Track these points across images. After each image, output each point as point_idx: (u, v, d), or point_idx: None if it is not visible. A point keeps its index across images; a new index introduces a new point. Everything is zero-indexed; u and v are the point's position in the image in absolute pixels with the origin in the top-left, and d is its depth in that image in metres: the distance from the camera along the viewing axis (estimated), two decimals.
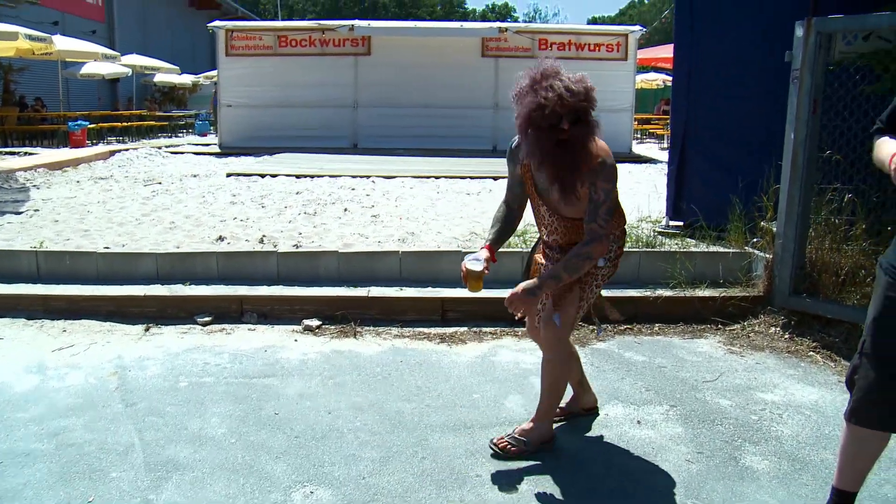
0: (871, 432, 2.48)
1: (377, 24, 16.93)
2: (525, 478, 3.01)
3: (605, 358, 4.28)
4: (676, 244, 5.93)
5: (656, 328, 4.82)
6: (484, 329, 4.75)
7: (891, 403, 2.39)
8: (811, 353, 4.46)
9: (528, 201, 3.13)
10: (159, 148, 16.03)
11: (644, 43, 22.56)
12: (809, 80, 4.56)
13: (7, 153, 14.18)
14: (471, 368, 4.15)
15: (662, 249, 5.55)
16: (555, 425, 3.42)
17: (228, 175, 11.04)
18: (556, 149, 2.68)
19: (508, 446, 3.15)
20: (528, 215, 3.23)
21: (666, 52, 18.00)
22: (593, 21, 65.00)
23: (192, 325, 4.77)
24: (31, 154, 13.95)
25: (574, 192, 2.81)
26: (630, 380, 4.03)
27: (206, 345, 4.45)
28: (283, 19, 39.41)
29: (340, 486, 2.93)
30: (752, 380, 4.05)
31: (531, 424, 3.20)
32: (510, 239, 5.88)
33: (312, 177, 10.70)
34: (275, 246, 5.92)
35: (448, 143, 15.15)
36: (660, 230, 6.54)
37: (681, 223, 6.55)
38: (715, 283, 5.17)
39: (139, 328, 4.71)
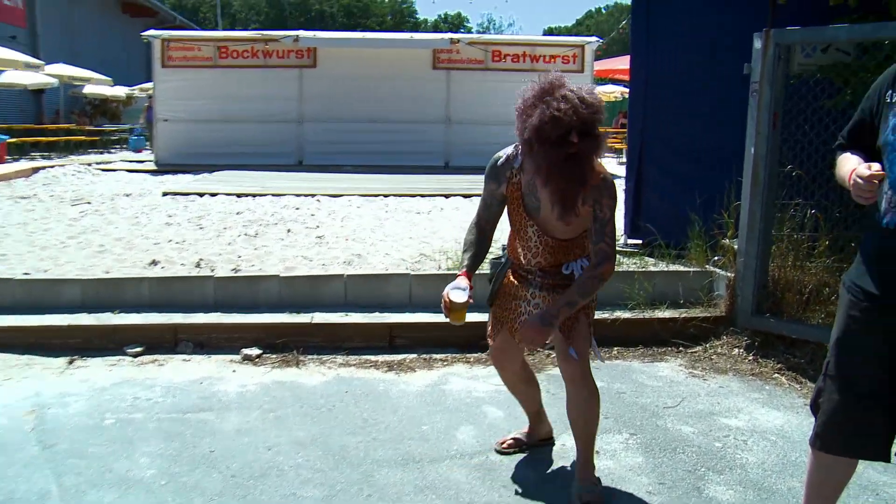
0: (837, 458, 2.49)
1: (323, 34, 16.93)
2: None
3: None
4: (635, 263, 5.97)
5: (615, 352, 4.82)
6: (434, 356, 4.71)
7: (856, 427, 2.40)
8: (776, 374, 4.51)
9: (512, 222, 3.07)
10: (89, 165, 15.71)
11: (601, 54, 22.91)
12: (769, 93, 4.65)
13: None
14: (420, 398, 4.10)
15: (620, 269, 5.58)
16: (510, 458, 3.39)
17: (164, 194, 10.85)
18: (565, 163, 2.67)
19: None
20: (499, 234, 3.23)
21: (624, 63, 18.31)
22: (549, 32, 65.97)
23: (121, 357, 4.63)
24: None
25: (575, 209, 2.80)
26: None
27: (136, 378, 4.32)
28: (223, 29, 39.16)
29: None
30: (715, 405, 4.07)
31: (586, 475, 3.04)
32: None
33: (254, 196, 10.58)
34: (212, 270, 5.80)
35: (398, 160, 15.15)
36: (617, 249, 6.58)
37: (639, 241, 6.61)
38: (675, 303, 5.21)
39: (62, 361, 4.55)
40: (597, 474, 3.10)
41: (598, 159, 2.80)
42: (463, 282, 2.92)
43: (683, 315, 5.00)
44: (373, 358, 4.67)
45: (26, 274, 5.57)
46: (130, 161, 17.44)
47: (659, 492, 3.16)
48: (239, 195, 10.63)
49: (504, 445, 3.48)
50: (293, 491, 3.11)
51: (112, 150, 22.51)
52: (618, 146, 20.93)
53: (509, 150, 3.00)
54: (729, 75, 5.22)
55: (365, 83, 15.77)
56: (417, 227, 8.05)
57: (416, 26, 63.04)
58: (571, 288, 2.89)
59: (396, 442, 3.57)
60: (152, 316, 4.97)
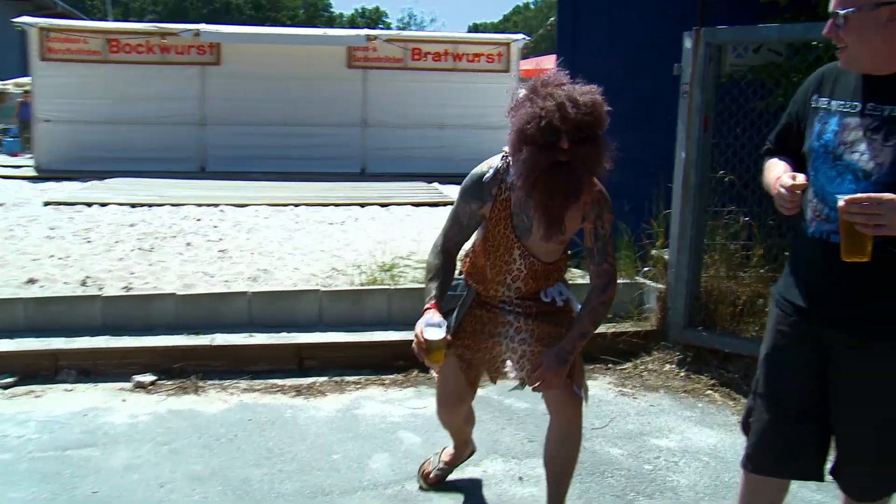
0: (769, 480, 2.57)
1: (227, 29, 16.67)
2: None
3: (483, 405, 4.28)
4: None
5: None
6: (346, 378, 4.69)
7: (788, 446, 2.47)
8: (709, 391, 4.64)
9: (491, 245, 2.85)
10: None
11: (529, 52, 23.25)
12: (700, 95, 4.79)
13: None
14: (331, 424, 4.07)
15: None
16: (433, 493, 3.40)
17: (46, 204, 10.50)
18: (552, 171, 2.51)
19: None
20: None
21: (552, 62, 18.61)
22: (474, 28, 66.64)
23: None
24: None
25: (561, 226, 2.66)
26: (511, 430, 4.05)
27: (6, 413, 4.16)
28: (115, 19, 38.24)
29: None
30: (645, 424, 4.16)
31: None
32: (376, 275, 5.90)
33: (150, 206, 10.33)
34: (100, 289, 5.64)
35: (310, 166, 14.99)
36: None
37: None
38: None
39: None
40: (520, 501, 3.12)
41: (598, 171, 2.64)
42: (435, 316, 2.68)
43: (612, 330, 5.10)
44: (280, 382, 4.62)
45: None
46: (5, 166, 16.80)
47: None
48: (133, 205, 10.37)
49: (430, 480, 3.43)
50: None
51: None
52: None
53: (496, 161, 2.78)
54: (659, 76, 5.36)
55: (274, 83, 15.59)
56: (330, 240, 8.00)
57: (331, 21, 62.82)
58: (582, 317, 2.79)
59: (304, 473, 3.53)
60: (29, 341, 4.80)
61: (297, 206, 10.58)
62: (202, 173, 15.14)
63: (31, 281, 5.87)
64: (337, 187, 12.90)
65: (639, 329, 5.13)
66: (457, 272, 2.99)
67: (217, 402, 4.34)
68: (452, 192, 12.45)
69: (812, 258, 2.34)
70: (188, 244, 7.55)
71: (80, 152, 15.19)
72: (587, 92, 2.51)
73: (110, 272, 6.21)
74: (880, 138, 2.18)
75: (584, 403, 2.88)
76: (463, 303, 2.96)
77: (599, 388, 4.65)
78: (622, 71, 6.29)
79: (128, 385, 4.52)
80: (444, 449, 3.48)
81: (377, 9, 72.42)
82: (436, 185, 13.53)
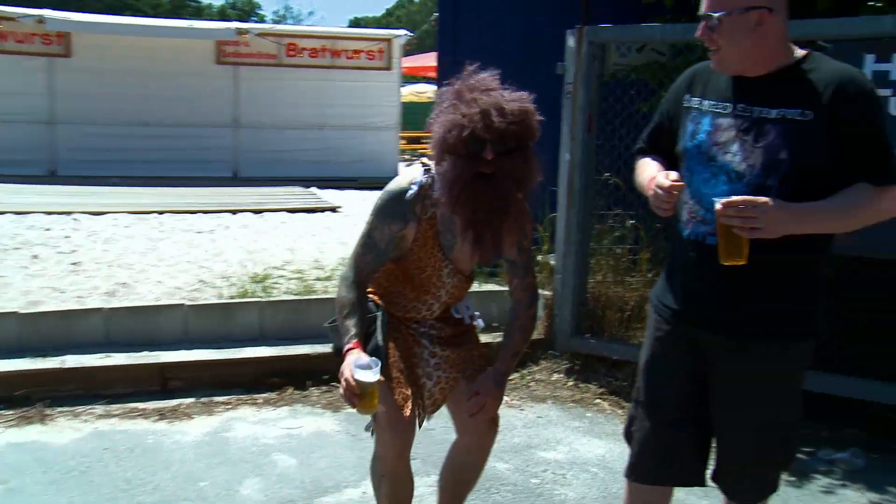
0: (653, 488, 2.68)
1: (78, 17, 16.06)
2: None
3: (362, 423, 4.29)
4: None
5: None
6: (215, 399, 4.62)
7: (669, 454, 2.59)
8: (597, 400, 4.78)
9: (415, 268, 2.72)
10: None
11: (413, 49, 23.38)
12: (584, 95, 4.95)
13: None
14: (198, 450, 4.01)
15: None
16: None
17: None
18: (475, 184, 2.41)
19: None
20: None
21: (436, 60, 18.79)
22: (355, 23, 66.48)
23: None
24: None
25: (487, 244, 2.56)
26: None
27: None
28: None
29: None
30: (533, 437, 4.25)
31: None
32: (247, 287, 5.84)
33: None
34: None
35: (177, 170, 14.64)
36: None
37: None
38: (489, 326, 5.39)
39: None
40: None
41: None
42: (363, 357, 2.50)
43: (498, 339, 5.18)
44: (141, 406, 4.52)
45: None
46: None
47: None
48: None
49: None
50: None
51: None
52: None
53: (418, 175, 2.63)
54: (544, 75, 5.50)
55: (135, 79, 15.13)
56: (198, 250, 7.85)
57: (199, 12, 61.55)
58: (512, 335, 2.79)
59: None
60: None
61: (161, 213, 10.33)
62: (52, 178, 14.55)
63: None
64: (206, 193, 12.65)
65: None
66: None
67: (67, 431, 4.20)
68: (332, 197, 12.45)
69: (688, 261, 2.46)
70: (35, 257, 7.26)
71: None
72: (516, 99, 2.43)
73: None
74: (751, 139, 2.31)
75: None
76: (381, 326, 2.75)
77: None
78: (505, 70, 6.40)
79: None
80: None
81: (250, 0, 71.41)
82: (314, 189, 13.46)
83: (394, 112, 16.41)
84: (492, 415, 2.74)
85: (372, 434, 2.77)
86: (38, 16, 14.70)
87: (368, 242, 2.66)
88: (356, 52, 16.07)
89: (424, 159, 2.65)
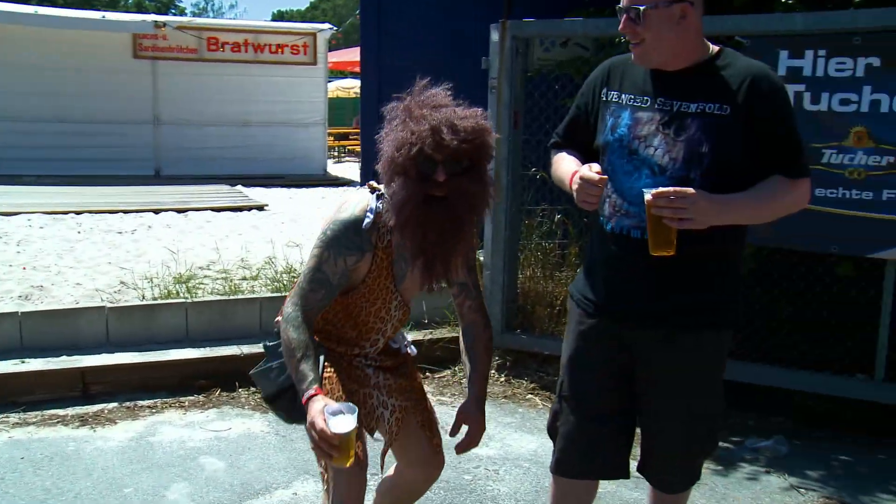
0: (577, 482, 2.74)
1: None
2: None
3: (293, 425, 4.30)
4: None
5: None
6: (140, 403, 4.58)
7: (594, 447, 2.65)
8: (529, 395, 4.85)
9: (364, 301, 2.55)
10: None
11: (338, 43, 23.31)
12: (508, 90, 5.00)
13: None
14: (122, 455, 3.96)
15: None
16: None
17: None
18: (426, 207, 2.29)
19: None
20: None
21: None
22: (279, 16, 65.88)
23: None
24: None
25: (438, 271, 2.46)
26: None
27: None
28: None
29: None
30: (463, 433, 4.28)
31: None
32: (171, 288, 5.78)
33: None
34: None
35: (95, 168, 14.36)
36: None
37: None
38: (419, 324, 5.44)
39: None
40: None
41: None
42: (331, 403, 2.24)
43: (429, 337, 5.24)
44: (60, 412, 4.44)
45: None
46: None
47: None
48: None
49: None
50: None
51: None
52: (358, 149, 21.38)
53: (370, 201, 2.47)
54: (470, 70, 5.55)
55: (48, 73, 14.77)
56: (119, 251, 7.74)
57: (114, 3, 60.28)
58: (479, 357, 2.68)
59: None
60: None
61: (79, 213, 10.14)
62: None
63: None
64: (127, 192, 12.46)
65: (456, 335, 5.26)
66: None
67: None
68: (259, 195, 12.36)
69: (611, 254, 2.51)
70: None
71: None
72: (469, 116, 2.31)
73: None
74: (672, 133, 2.38)
75: None
76: (323, 360, 2.55)
77: None
78: (430, 65, 6.42)
79: None
80: None
81: None
82: (240, 187, 13.34)
83: (320, 108, 16.35)
84: (477, 444, 2.67)
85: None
86: None
87: (318, 277, 2.42)
88: (280, 46, 15.96)
89: (373, 183, 2.49)
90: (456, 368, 5.13)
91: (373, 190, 2.49)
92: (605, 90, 2.56)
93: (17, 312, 5.03)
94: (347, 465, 2.25)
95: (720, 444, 4.04)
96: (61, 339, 4.98)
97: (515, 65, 5.00)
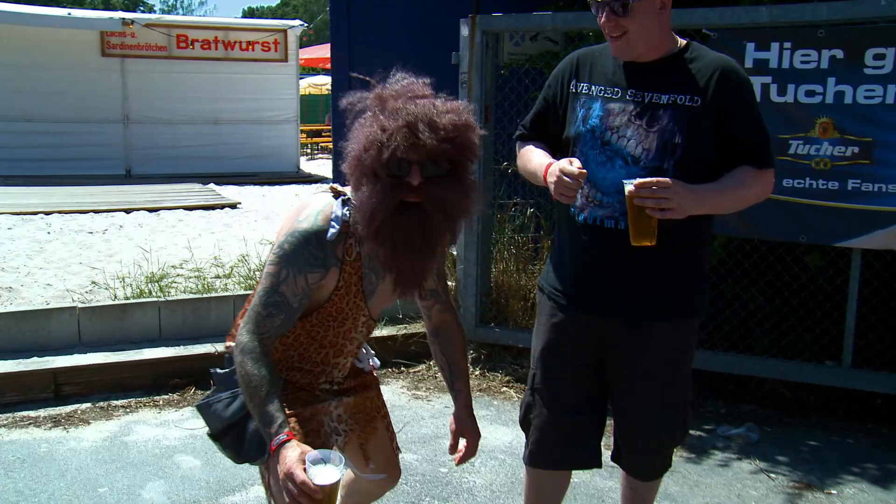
0: (552, 472, 2.79)
1: None
2: None
3: None
4: None
5: None
6: (113, 403, 4.57)
7: (568, 439, 2.70)
8: (504, 388, 4.89)
9: (332, 321, 2.28)
10: None
11: (309, 40, 23.24)
12: (479, 84, 5.03)
13: None
14: (96, 456, 3.96)
15: None
16: None
17: None
18: (398, 214, 2.00)
19: None
20: None
21: None
22: (249, 13, 65.64)
23: None
24: None
25: (415, 284, 2.17)
26: None
27: None
28: None
29: None
30: (440, 427, 4.34)
31: None
32: (144, 287, 5.76)
33: None
34: None
35: (64, 169, 14.24)
36: None
37: None
38: (394, 319, 5.47)
39: None
40: None
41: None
42: (310, 451, 1.91)
43: (403, 332, 5.27)
44: (32, 414, 4.42)
45: None
46: None
47: None
48: None
49: None
50: None
51: None
52: (331, 146, 21.34)
53: (335, 208, 2.16)
54: (442, 64, 5.57)
55: (13, 72, 14.64)
56: (90, 250, 7.69)
57: (81, 1, 59.71)
58: (461, 361, 2.51)
59: None
60: None
61: (48, 213, 10.07)
62: None
63: None
64: (97, 191, 12.37)
65: None
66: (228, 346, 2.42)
67: None
68: (232, 193, 12.31)
69: (584, 245, 2.53)
70: None
71: None
72: (450, 110, 2.02)
73: None
74: (644, 124, 2.42)
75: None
76: (276, 389, 2.09)
77: (392, 392, 4.79)
78: (401, 59, 6.45)
79: None
80: None
81: None
82: (212, 186, 13.28)
83: (292, 105, 16.31)
84: (475, 454, 2.51)
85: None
86: None
87: (276, 300, 2.09)
88: (250, 43, 15.89)
89: (336, 185, 2.23)
90: (430, 363, 5.16)
91: (337, 194, 2.19)
92: (573, 82, 2.59)
93: None
94: None
95: (692, 432, 4.13)
96: (32, 341, 4.95)
97: (486, 59, 5.03)
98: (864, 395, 4.47)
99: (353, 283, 2.21)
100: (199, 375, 4.78)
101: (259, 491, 3.63)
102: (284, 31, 16.23)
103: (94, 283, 6.19)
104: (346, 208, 2.13)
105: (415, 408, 4.59)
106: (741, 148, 2.44)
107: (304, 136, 18.95)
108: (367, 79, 2.15)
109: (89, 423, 4.33)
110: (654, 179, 2.27)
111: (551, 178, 2.41)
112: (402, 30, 6.56)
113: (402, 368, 5.11)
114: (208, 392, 2.38)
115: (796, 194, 4.20)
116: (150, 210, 10.47)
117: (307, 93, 24.70)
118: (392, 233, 2.01)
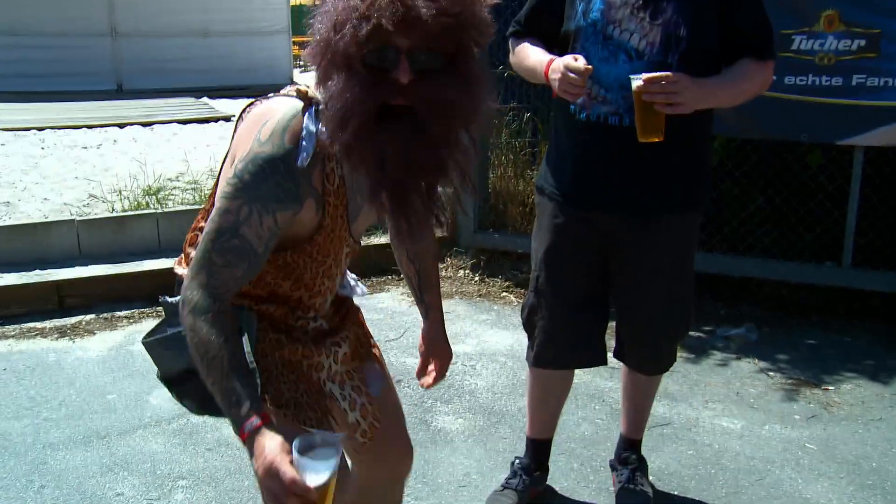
0: (556, 372, 2.81)
1: None
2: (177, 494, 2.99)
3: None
4: None
5: None
6: (117, 314, 4.60)
7: (573, 339, 2.72)
8: (504, 293, 4.92)
9: (312, 260, 1.78)
10: None
11: None
12: None
13: None
14: (103, 364, 4.00)
15: None
16: (214, 419, 3.42)
17: None
18: (383, 124, 1.47)
19: None
20: None
21: None
22: None
23: None
24: None
25: (431, 218, 1.61)
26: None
27: None
28: None
29: None
30: None
31: None
32: (141, 199, 5.72)
33: None
34: None
35: (55, 84, 14.01)
36: None
37: None
38: None
39: None
40: None
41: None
42: (293, 437, 1.46)
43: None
44: (38, 325, 4.46)
45: None
46: None
47: None
48: None
49: None
50: None
51: None
52: None
53: (303, 120, 1.60)
54: None
55: None
56: (85, 165, 7.64)
57: None
58: (433, 271, 2.18)
59: (75, 419, 3.47)
60: None
61: (41, 129, 9.97)
62: None
63: None
64: (90, 107, 12.23)
65: None
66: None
67: None
68: (225, 106, 12.17)
69: (587, 144, 2.49)
70: None
71: None
72: None
73: None
74: (647, 17, 2.36)
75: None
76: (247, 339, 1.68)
77: (392, 299, 4.82)
78: None
79: None
80: None
81: None
82: (206, 99, 13.12)
83: (282, 15, 16.01)
84: (445, 376, 2.22)
85: None
86: None
87: (235, 246, 1.56)
88: None
89: (300, 86, 1.69)
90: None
91: (305, 99, 1.63)
92: None
93: None
94: None
95: (692, 333, 4.16)
96: (33, 254, 4.96)
97: None
98: (864, 295, 4.49)
99: (339, 216, 1.72)
100: None
101: None
102: None
103: (91, 195, 6.16)
104: (317, 122, 1.60)
105: (415, 313, 4.54)
106: (744, 40, 2.40)
107: (297, 48, 18.62)
108: None
109: (94, 334, 4.36)
110: (664, 74, 2.22)
111: (554, 76, 2.36)
112: None
113: (402, 276, 5.12)
114: (156, 324, 1.84)
115: (798, 92, 4.15)
116: (144, 125, 10.36)
117: (298, 2, 24.22)
118: (377, 150, 1.48)
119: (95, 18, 14.77)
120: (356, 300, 2.14)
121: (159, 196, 5.93)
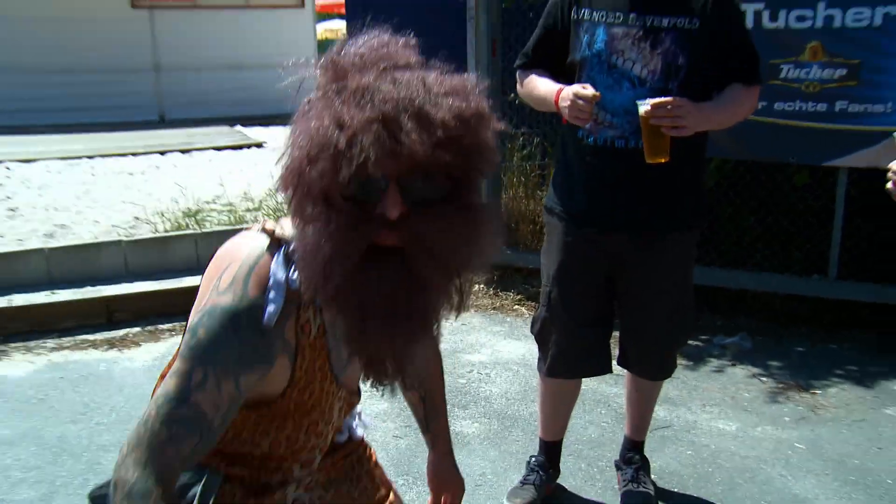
0: (566, 381, 2.84)
1: None
2: None
3: None
4: None
5: None
6: (160, 326, 4.65)
7: (583, 352, 2.75)
8: (516, 306, 4.94)
9: (291, 417, 1.39)
10: None
11: None
12: (486, 19, 4.95)
13: None
14: (148, 373, 4.04)
15: None
16: None
17: None
18: (367, 268, 1.15)
19: None
20: None
21: None
22: None
23: None
24: None
25: (405, 368, 1.26)
26: None
27: None
28: None
29: None
30: (458, 343, 4.40)
31: None
32: (181, 221, 5.77)
33: None
34: None
35: (102, 116, 14.15)
36: None
37: None
38: None
39: None
40: None
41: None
42: None
43: None
44: (90, 337, 4.52)
45: None
46: None
47: (405, 434, 3.40)
48: None
49: None
50: (2, 497, 2.97)
51: None
52: None
53: (273, 266, 1.26)
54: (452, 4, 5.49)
55: (51, 26, 14.48)
56: (131, 190, 7.72)
57: None
58: (440, 396, 1.86)
59: (125, 423, 3.51)
60: None
61: (91, 158, 10.09)
62: None
63: None
64: (134, 136, 12.36)
65: None
66: None
67: (23, 364, 4.19)
68: (257, 133, 12.27)
69: (594, 167, 2.52)
70: None
71: None
72: (452, 91, 1.14)
73: None
74: (648, 47, 2.41)
75: None
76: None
77: None
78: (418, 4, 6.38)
79: None
80: None
81: None
82: (239, 127, 13.22)
83: (309, 50, 16.12)
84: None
85: None
86: None
87: (185, 416, 1.17)
88: None
89: (269, 223, 1.33)
90: None
91: (274, 240, 1.29)
92: (574, 9, 2.54)
93: (44, 248, 5.07)
94: None
95: (690, 343, 4.17)
96: (85, 272, 5.03)
97: None
98: (852, 306, 4.49)
99: (319, 369, 1.35)
100: None
101: None
102: None
103: (136, 218, 6.24)
104: (287, 268, 1.25)
105: None
106: (734, 67, 2.46)
107: None
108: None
109: (140, 345, 4.42)
110: (669, 99, 2.28)
111: (564, 103, 2.41)
112: None
113: None
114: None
115: (786, 117, 4.16)
116: (184, 151, 10.47)
117: (324, 38, 24.39)
118: (357, 298, 1.15)
119: (140, 56, 14.97)
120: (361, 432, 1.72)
121: (198, 217, 6.00)
